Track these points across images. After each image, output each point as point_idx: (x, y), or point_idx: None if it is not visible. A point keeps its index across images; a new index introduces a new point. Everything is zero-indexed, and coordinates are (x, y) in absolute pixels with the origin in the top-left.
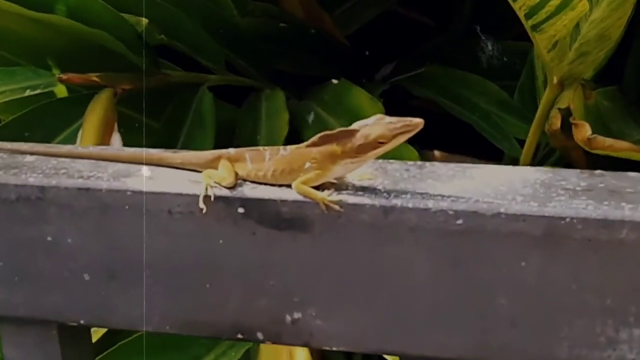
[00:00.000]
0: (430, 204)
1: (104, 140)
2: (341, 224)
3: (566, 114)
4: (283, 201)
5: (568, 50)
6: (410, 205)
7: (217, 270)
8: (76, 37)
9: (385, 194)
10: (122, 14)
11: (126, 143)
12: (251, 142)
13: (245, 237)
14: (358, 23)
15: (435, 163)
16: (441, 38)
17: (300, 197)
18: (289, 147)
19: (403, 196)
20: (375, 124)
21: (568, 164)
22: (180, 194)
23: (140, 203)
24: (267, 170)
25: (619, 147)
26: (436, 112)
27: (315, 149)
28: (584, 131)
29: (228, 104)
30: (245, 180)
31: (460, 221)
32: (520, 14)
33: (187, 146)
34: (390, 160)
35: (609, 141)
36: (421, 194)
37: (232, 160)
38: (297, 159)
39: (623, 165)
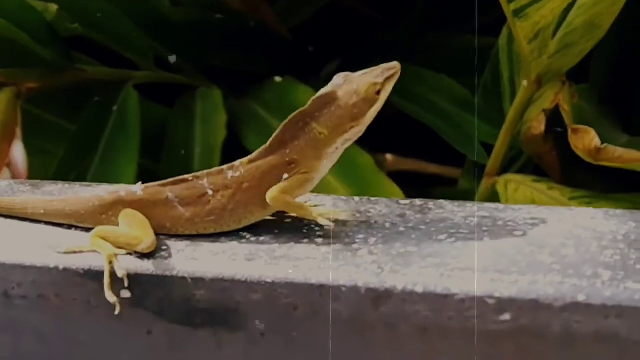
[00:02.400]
0: (454, 286)
1: (2, 149)
2: (298, 319)
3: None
4: (197, 279)
5: (550, 41)
6: (418, 288)
7: None
8: None
9: (374, 266)
10: (27, 0)
11: (35, 149)
12: (184, 148)
13: (134, 339)
14: (301, 16)
15: (443, 202)
16: (391, 32)
17: (228, 273)
18: (237, 163)
19: (404, 271)
20: (351, 80)
21: (536, 170)
22: (23, 266)
23: None
24: (222, 210)
25: (629, 158)
26: (390, 113)
27: (286, 149)
28: (588, 139)
29: (157, 105)
30: (170, 235)
31: (506, 316)
32: None
33: (108, 153)
34: (373, 199)
35: (619, 151)
36: (436, 265)
37: (142, 205)
38: (266, 174)
39: (604, 174)
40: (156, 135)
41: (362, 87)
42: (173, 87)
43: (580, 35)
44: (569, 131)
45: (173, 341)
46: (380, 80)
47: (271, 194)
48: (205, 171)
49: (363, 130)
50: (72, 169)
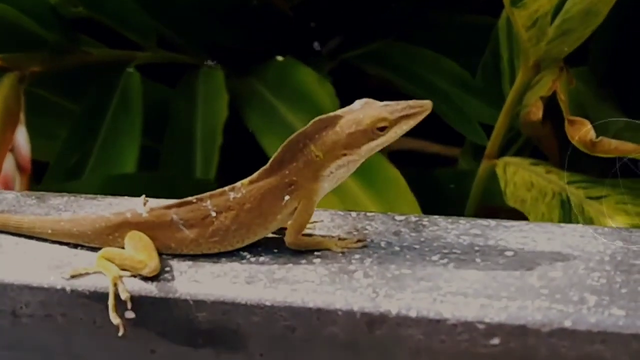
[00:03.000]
0: (446, 311)
1: (6, 135)
2: (295, 340)
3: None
4: (199, 302)
5: (548, 28)
6: (412, 313)
7: None
8: None
9: (370, 290)
10: None
11: (39, 129)
12: (186, 128)
13: (139, 358)
14: None
15: (437, 218)
16: (392, 10)
17: (228, 296)
18: (239, 184)
19: (399, 296)
20: (365, 107)
21: (535, 151)
22: (31, 287)
23: None
24: (226, 231)
25: (624, 149)
26: (391, 92)
27: (285, 170)
28: (584, 131)
29: (159, 85)
30: (174, 255)
31: (496, 341)
32: None
33: (110, 134)
34: (369, 214)
35: (614, 144)
36: (429, 289)
37: (147, 227)
38: (267, 195)
39: (603, 158)
40: (158, 116)
41: (366, 119)
42: (175, 67)
43: (578, 22)
44: (566, 122)
45: None
46: (392, 117)
47: (289, 239)
48: (208, 193)
49: (359, 161)
50: (75, 151)
